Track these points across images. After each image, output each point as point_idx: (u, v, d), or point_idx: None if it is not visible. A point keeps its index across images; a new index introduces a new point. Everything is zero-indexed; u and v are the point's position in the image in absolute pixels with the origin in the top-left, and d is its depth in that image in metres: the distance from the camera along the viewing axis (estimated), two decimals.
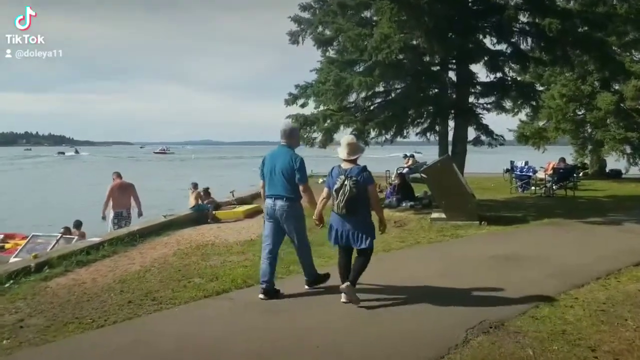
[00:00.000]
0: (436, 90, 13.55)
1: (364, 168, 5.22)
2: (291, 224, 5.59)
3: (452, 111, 13.59)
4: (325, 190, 5.37)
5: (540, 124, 23.22)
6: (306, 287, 5.90)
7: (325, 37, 12.35)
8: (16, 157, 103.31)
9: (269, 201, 5.62)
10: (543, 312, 5.10)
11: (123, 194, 11.48)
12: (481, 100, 14.32)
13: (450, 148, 13.65)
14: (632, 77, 16.47)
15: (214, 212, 12.51)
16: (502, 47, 13.67)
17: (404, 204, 13.52)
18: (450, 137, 13.77)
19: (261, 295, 5.56)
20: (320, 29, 12.62)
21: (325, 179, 5.83)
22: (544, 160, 20.35)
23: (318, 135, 13.13)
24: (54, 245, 9.28)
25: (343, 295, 5.31)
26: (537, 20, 12.43)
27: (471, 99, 14.28)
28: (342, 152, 5.30)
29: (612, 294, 5.76)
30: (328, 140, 13.04)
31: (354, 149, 5.28)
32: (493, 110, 15.00)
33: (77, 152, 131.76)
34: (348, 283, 5.23)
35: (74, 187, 35.96)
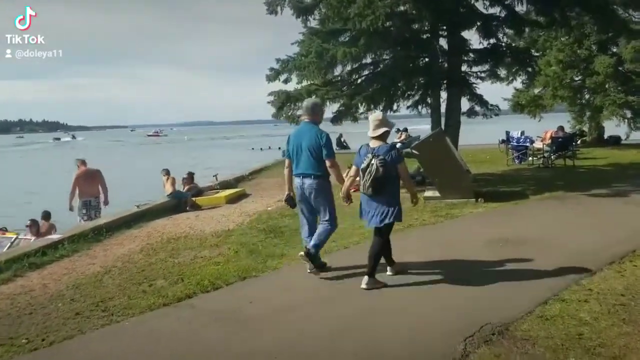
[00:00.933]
0: (426, 59, 12.67)
1: (392, 146, 5.12)
2: (320, 199, 5.46)
3: (444, 81, 12.75)
4: (353, 168, 5.26)
5: (536, 91, 22.40)
6: (301, 253, 5.57)
7: (305, 5, 11.34)
8: (7, 145, 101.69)
9: (297, 180, 5.53)
10: (553, 310, 4.38)
11: (90, 182, 10.67)
12: (474, 69, 13.45)
13: (443, 121, 12.84)
14: (633, 36, 15.47)
15: (194, 198, 11.73)
16: (496, 10, 12.77)
17: None
18: (443, 109, 12.96)
19: (308, 269, 5.58)
20: None
21: None
22: (540, 129, 19.56)
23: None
24: (10, 246, 8.49)
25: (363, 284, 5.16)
26: None
27: (464, 68, 13.41)
28: (369, 129, 5.19)
29: (630, 282, 5.04)
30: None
31: (378, 125, 5.12)
32: (487, 78, 14.15)
33: (74, 137, 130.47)
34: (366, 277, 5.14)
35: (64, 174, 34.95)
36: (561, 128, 16.53)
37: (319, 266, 5.58)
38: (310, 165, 5.38)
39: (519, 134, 18.69)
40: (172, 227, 9.18)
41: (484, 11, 12.81)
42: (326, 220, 5.52)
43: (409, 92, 13.62)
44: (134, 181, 24.13)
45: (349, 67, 12.31)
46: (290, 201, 5.75)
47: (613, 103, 19.01)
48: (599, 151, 19.19)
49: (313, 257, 5.48)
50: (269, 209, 10.50)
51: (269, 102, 12.60)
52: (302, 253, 5.49)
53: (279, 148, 40.57)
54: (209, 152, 53.84)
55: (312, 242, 5.49)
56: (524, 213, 8.94)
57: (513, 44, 14.00)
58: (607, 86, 20.12)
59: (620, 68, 20.12)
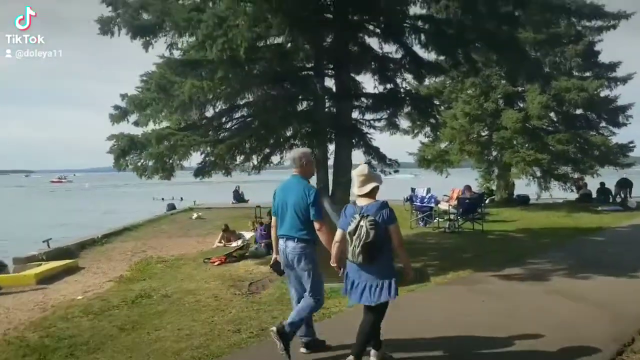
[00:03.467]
0: (311, 102, 10.44)
1: (384, 204, 4.39)
2: (304, 267, 4.73)
3: (333, 130, 10.57)
4: (339, 232, 4.49)
5: (443, 145, 20.93)
6: (273, 329, 4.66)
7: (143, 24, 8.58)
8: None
9: (280, 243, 4.85)
10: None
11: None
12: (368, 116, 11.42)
13: (331, 177, 10.60)
14: (546, 80, 13.96)
15: None
16: (391, 48, 10.88)
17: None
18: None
19: (303, 350, 4.89)
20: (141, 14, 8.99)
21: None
22: (447, 186, 17.88)
23: (150, 163, 9.59)
24: None
25: None
26: (432, 12, 9.67)
27: (356, 115, 11.40)
28: (354, 186, 4.56)
29: None
30: (162, 168, 9.50)
31: (364, 181, 4.46)
32: (386, 129, 12.18)
33: None
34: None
35: None
36: (468, 188, 14.79)
37: (289, 347, 4.59)
38: (295, 226, 4.72)
39: (425, 191, 16.90)
40: None
41: (379, 51, 10.91)
42: (309, 294, 4.77)
43: (293, 142, 11.33)
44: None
45: (214, 109, 9.83)
46: (277, 267, 5.00)
47: (522, 160, 17.68)
48: (509, 212, 17.70)
49: (286, 336, 4.59)
50: (79, 298, 7.60)
51: (109, 150, 9.78)
52: (274, 329, 4.64)
53: (181, 199, 36.76)
54: (103, 202, 49.05)
55: (289, 319, 4.73)
56: (422, 309, 6.56)
57: (413, 92, 12.08)
58: (515, 142, 18.92)
59: (528, 125, 19.07)
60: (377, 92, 11.29)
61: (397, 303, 6.94)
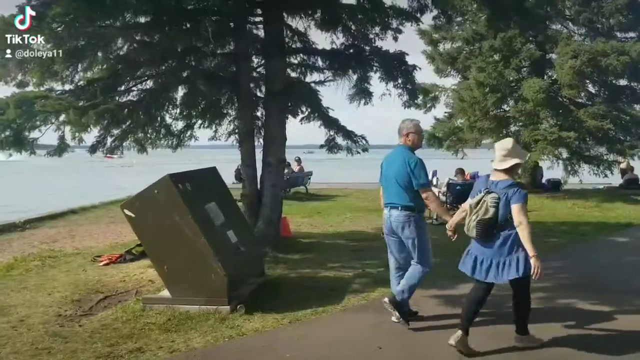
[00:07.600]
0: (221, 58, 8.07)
1: (514, 184, 4.06)
2: (409, 236, 4.75)
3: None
4: (468, 200, 4.28)
5: (459, 122, 18.02)
6: (386, 299, 4.90)
7: None
8: None
9: (385, 211, 4.96)
10: None
11: None
12: (314, 77, 9.02)
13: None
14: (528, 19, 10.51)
15: None
16: None
17: None
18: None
19: (394, 319, 4.85)
20: None
21: None
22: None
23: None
24: None
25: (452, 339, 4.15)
26: None
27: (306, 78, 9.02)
28: (495, 160, 4.19)
29: None
30: (16, 141, 7.40)
31: (506, 155, 4.09)
32: (356, 98, 9.64)
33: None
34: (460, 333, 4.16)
35: None
36: (461, 171, 12.03)
37: (406, 315, 4.82)
38: (398, 194, 4.78)
39: (430, 175, 14.29)
40: None
41: None
42: (416, 261, 4.80)
43: (223, 110, 9.06)
44: None
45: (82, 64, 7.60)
46: None
47: (544, 139, 14.59)
48: (530, 200, 14.77)
49: (399, 305, 4.79)
50: None
51: None
52: (387, 299, 4.87)
53: None
54: (118, 178, 48.05)
55: (398, 287, 4.88)
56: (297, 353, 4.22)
57: (383, 49, 9.41)
58: (540, 117, 15.80)
59: (560, 98, 15.96)
60: (333, 48, 8.91)
61: (283, 339, 4.69)
